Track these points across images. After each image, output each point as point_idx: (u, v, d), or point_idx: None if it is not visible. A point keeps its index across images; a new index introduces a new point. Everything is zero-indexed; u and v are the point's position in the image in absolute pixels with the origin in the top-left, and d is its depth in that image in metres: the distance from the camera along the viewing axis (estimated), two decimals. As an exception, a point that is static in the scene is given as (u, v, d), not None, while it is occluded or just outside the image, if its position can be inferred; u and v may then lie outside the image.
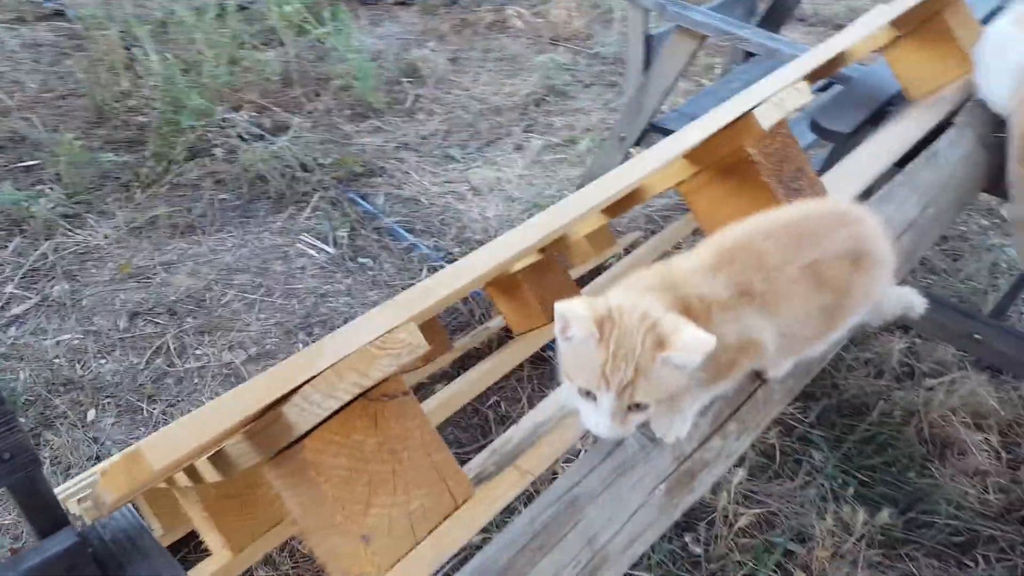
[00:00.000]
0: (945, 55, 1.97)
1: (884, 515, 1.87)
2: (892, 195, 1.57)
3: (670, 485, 1.07)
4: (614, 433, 0.94)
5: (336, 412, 0.92)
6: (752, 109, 1.46)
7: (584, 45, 4.12)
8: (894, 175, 1.69)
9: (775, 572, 1.84)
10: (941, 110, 1.88)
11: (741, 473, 1.92)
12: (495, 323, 2.44)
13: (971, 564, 1.91)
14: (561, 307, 0.91)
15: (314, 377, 0.87)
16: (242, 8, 3.87)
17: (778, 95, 1.50)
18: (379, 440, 0.94)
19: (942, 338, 2.26)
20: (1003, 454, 2.14)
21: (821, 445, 2.12)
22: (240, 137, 3.16)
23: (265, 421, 0.89)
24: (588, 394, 0.94)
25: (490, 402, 2.26)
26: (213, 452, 1.07)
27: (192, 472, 1.23)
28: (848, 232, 1.13)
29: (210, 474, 1.15)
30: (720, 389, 1.10)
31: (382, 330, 0.93)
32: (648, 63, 2.76)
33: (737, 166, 1.50)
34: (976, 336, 2.00)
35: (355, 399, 0.93)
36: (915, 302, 1.35)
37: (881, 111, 2.11)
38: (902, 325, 2.39)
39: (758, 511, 1.96)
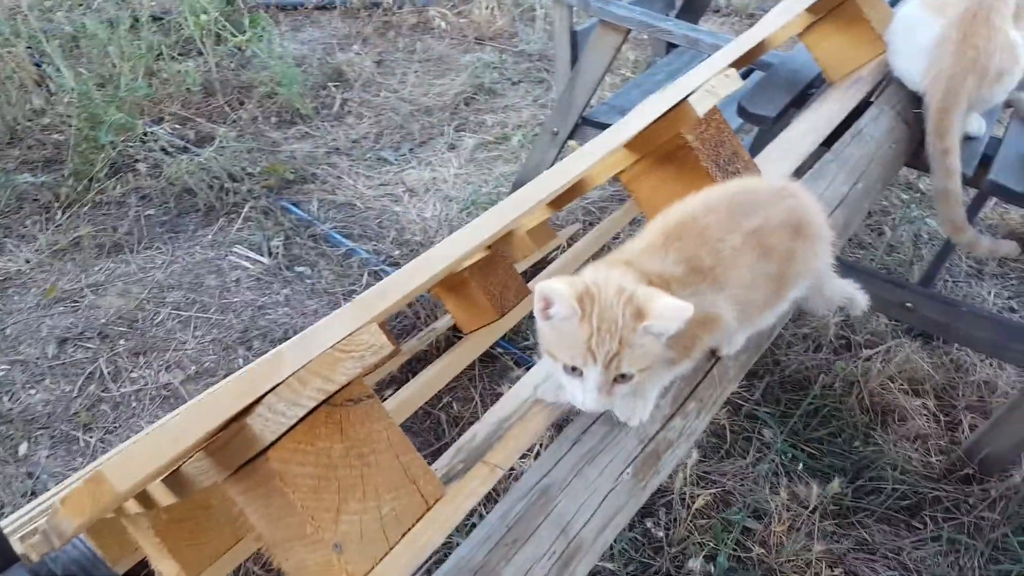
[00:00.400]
0: (859, 37, 2.05)
1: (834, 485, 1.92)
2: (822, 172, 1.62)
3: (636, 468, 1.08)
4: (600, 405, 0.97)
5: (300, 420, 0.90)
6: (686, 97, 1.49)
7: (509, 43, 4.13)
8: (822, 154, 1.74)
9: (735, 550, 1.88)
10: (861, 90, 1.95)
11: (695, 455, 1.96)
12: (442, 324, 2.43)
13: (920, 526, 1.98)
14: (542, 286, 0.93)
15: (277, 385, 0.85)
16: (156, 19, 3.75)
17: (709, 83, 1.54)
18: (346, 445, 0.92)
19: (875, 308, 2.33)
20: (941, 417, 2.23)
21: (769, 422, 2.17)
22: (163, 150, 3.07)
23: (227, 435, 0.86)
24: (574, 370, 0.95)
25: (442, 404, 2.25)
26: (168, 473, 1.04)
27: (143, 497, 1.19)
28: (786, 204, 1.17)
29: (164, 496, 1.11)
30: (682, 369, 1.12)
31: (343, 333, 0.91)
32: (575, 59, 2.79)
33: (675, 153, 1.53)
34: (907, 305, 2.07)
35: (319, 405, 0.91)
36: (858, 299, 1.39)
37: (803, 94, 2.18)
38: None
39: (714, 491, 2.00)
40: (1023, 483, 1.99)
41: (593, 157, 1.33)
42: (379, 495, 0.93)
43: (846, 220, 1.60)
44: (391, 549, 0.91)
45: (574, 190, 1.62)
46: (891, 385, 2.27)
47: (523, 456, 1.86)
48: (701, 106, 1.46)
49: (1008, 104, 2.05)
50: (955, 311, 2.07)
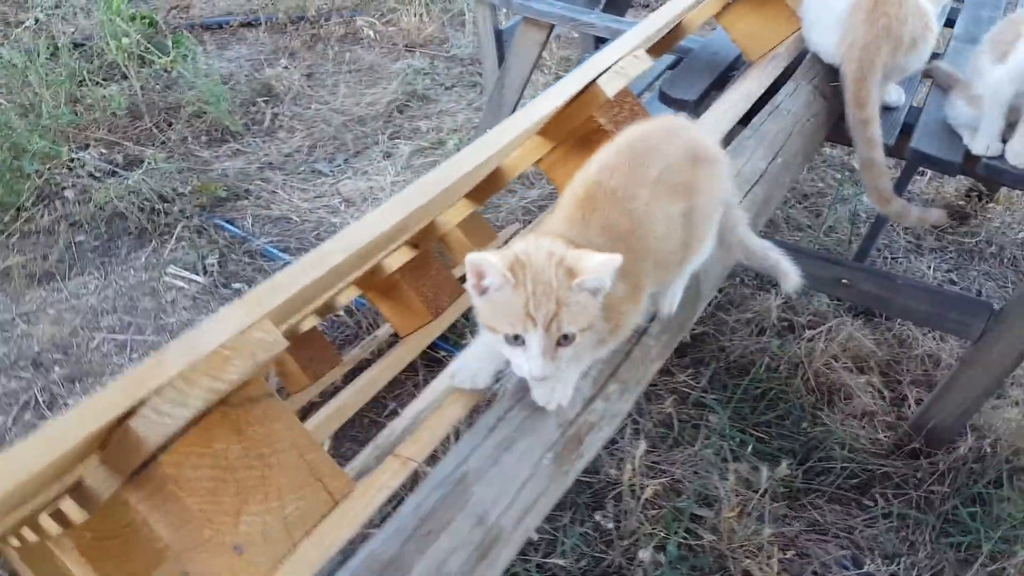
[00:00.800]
0: (774, 15, 2.06)
1: (783, 468, 1.89)
2: (741, 149, 1.62)
3: (557, 453, 1.06)
4: (547, 370, 0.95)
5: (197, 422, 0.86)
6: (595, 79, 1.48)
7: (440, 49, 4.12)
8: (741, 131, 1.74)
9: (686, 538, 1.85)
10: (778, 66, 1.96)
11: (643, 445, 1.93)
12: (383, 331, 2.39)
13: (871, 503, 1.97)
14: (472, 258, 0.92)
15: (161, 387, 0.81)
16: (78, 46, 3.67)
17: (618, 64, 1.52)
18: (244, 446, 0.88)
19: (813, 287, 2.34)
20: (886, 393, 2.23)
21: (716, 408, 2.16)
22: (91, 176, 3.00)
23: (115, 440, 0.82)
24: (516, 339, 0.95)
25: (388, 411, 2.21)
26: (74, 487, 0.99)
27: (60, 516, 1.14)
28: (679, 137, 1.18)
29: (76, 513, 1.06)
30: (601, 352, 1.11)
31: (235, 330, 0.87)
32: (503, 58, 2.78)
33: (590, 136, 1.52)
34: (844, 281, 2.06)
35: (215, 407, 0.87)
36: (784, 265, 1.37)
37: (724, 76, 2.19)
38: (777, 283, 2.47)
39: (663, 480, 1.98)
40: (970, 454, 2.00)
41: (505, 137, 1.31)
42: (282, 495, 0.89)
43: (766, 195, 1.60)
44: (295, 548, 0.87)
45: (493, 181, 1.60)
46: (835, 364, 2.27)
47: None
48: (610, 87, 1.45)
49: (927, 74, 2.07)
50: (892, 284, 2.07)
